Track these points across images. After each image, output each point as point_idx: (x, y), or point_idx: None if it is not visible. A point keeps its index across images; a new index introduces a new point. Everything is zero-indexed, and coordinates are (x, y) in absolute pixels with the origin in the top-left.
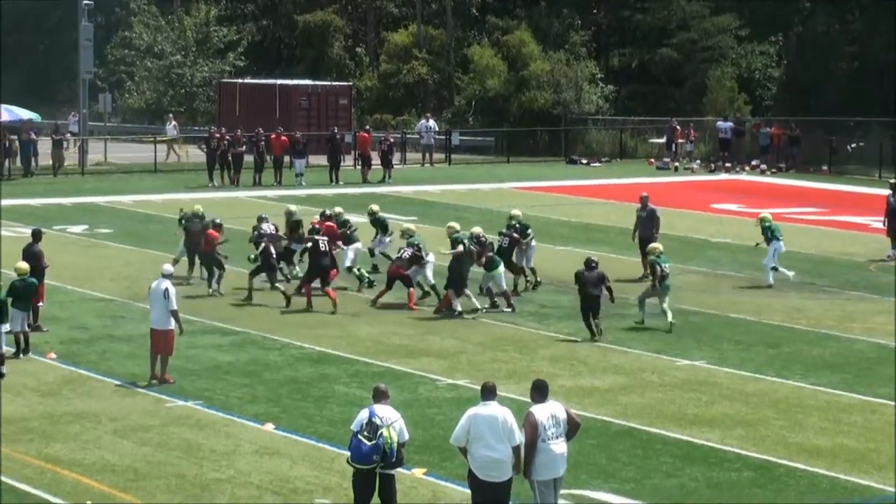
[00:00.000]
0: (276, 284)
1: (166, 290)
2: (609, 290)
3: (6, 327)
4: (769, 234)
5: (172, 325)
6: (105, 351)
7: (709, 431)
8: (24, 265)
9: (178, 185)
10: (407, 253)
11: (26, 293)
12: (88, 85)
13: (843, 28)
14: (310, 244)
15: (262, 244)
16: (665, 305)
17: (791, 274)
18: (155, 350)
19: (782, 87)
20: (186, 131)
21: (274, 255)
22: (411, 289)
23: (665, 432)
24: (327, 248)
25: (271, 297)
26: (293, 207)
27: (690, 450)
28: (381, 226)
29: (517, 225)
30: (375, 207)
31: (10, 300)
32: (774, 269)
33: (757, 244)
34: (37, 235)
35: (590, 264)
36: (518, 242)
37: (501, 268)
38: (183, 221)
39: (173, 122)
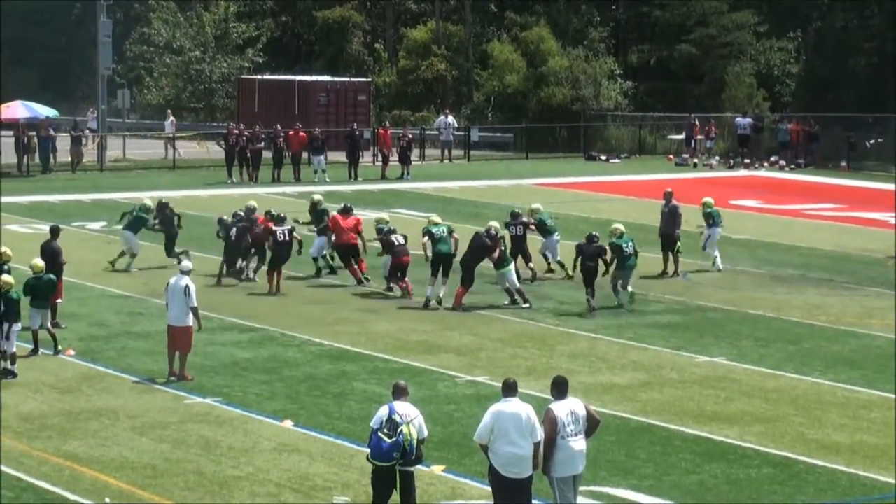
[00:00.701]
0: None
1: (187, 286)
2: (605, 262)
3: (18, 326)
4: (710, 219)
5: (191, 321)
6: (123, 347)
7: (728, 428)
8: (40, 262)
9: (196, 182)
10: (401, 238)
11: (43, 290)
12: (107, 81)
13: (861, 24)
14: (269, 235)
15: (235, 229)
16: (629, 287)
17: (720, 266)
18: (173, 347)
19: (801, 84)
20: (205, 127)
21: (233, 240)
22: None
23: (684, 429)
24: (287, 238)
25: (291, 293)
26: (253, 203)
27: (709, 446)
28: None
29: (537, 219)
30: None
31: (29, 298)
32: (703, 248)
33: (699, 226)
34: (55, 232)
35: (592, 239)
36: (527, 227)
37: (512, 265)
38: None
39: (171, 119)
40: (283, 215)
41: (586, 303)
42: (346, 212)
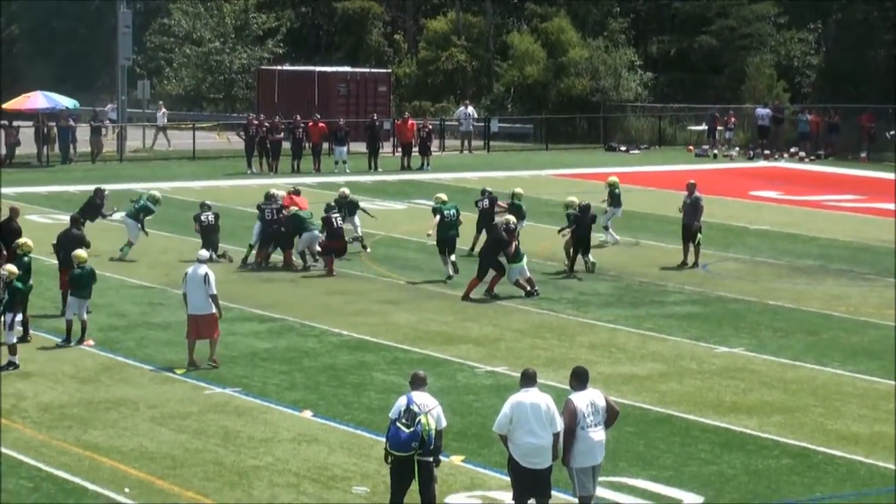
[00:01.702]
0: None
1: (206, 275)
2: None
3: (20, 317)
4: (616, 199)
5: (214, 309)
6: (143, 338)
7: (747, 419)
8: (83, 253)
9: (216, 172)
10: (340, 221)
11: (87, 281)
12: (127, 72)
13: (882, 15)
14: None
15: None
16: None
17: (617, 238)
18: (197, 335)
19: (821, 75)
20: (225, 118)
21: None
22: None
23: (703, 419)
24: (274, 217)
25: (310, 284)
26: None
27: (729, 437)
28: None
29: (516, 205)
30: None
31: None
32: (606, 228)
33: (603, 201)
34: (75, 221)
35: (586, 209)
36: (494, 202)
37: (525, 259)
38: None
39: (163, 110)
40: (272, 194)
41: (571, 265)
42: (297, 193)
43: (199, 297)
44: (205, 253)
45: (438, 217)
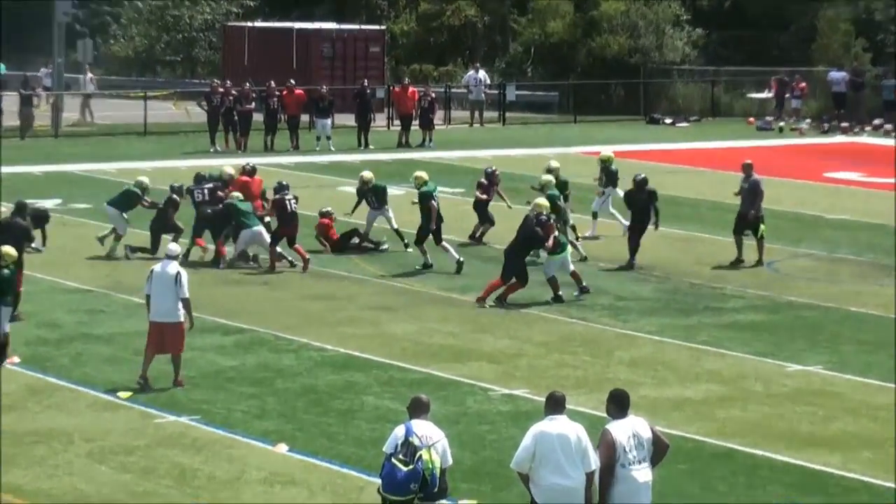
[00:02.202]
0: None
1: (178, 274)
2: (656, 210)
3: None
4: (612, 177)
5: (182, 316)
6: (80, 354)
7: (828, 454)
8: (13, 251)
9: (172, 151)
10: (295, 203)
11: (9, 284)
12: (65, 30)
13: None
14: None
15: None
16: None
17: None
18: (158, 348)
19: None
20: (184, 84)
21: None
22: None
23: (774, 455)
24: (205, 198)
25: (287, 286)
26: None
27: (805, 477)
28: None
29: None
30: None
31: None
32: (594, 216)
33: (597, 179)
34: (21, 209)
35: (642, 184)
36: (480, 187)
37: (569, 250)
38: None
39: (90, 75)
40: (203, 174)
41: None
42: (250, 173)
43: (167, 301)
44: (175, 247)
45: (434, 203)
